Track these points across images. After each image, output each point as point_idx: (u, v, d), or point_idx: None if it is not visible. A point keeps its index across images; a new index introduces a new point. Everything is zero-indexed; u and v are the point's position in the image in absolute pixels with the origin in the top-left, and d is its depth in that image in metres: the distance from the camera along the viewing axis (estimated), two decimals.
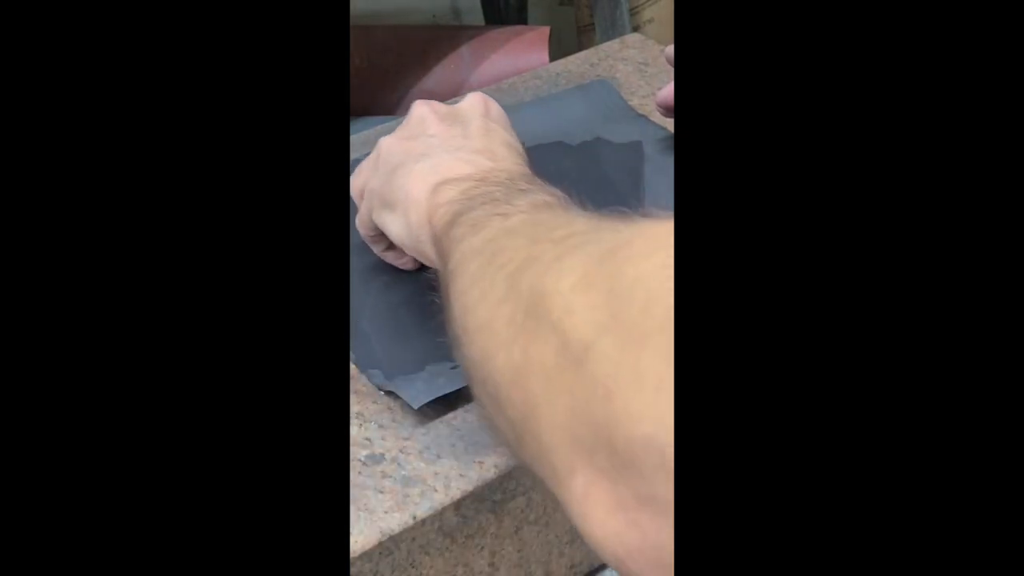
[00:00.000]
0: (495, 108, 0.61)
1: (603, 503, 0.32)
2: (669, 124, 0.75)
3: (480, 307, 0.41)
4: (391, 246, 0.59)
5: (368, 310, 0.60)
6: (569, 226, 0.41)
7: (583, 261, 0.36)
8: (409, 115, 0.60)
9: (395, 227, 0.55)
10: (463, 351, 0.42)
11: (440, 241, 0.49)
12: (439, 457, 0.52)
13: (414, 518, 0.50)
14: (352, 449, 0.52)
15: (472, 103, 0.60)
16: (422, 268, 0.60)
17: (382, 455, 0.52)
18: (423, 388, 0.54)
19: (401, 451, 0.53)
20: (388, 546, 0.49)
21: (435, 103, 0.60)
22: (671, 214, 0.38)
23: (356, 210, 0.60)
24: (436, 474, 0.51)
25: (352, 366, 0.56)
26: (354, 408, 0.55)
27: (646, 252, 0.34)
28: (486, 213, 0.46)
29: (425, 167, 0.53)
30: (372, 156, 0.59)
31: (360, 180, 0.59)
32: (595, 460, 0.32)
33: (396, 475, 0.51)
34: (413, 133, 0.58)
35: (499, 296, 0.39)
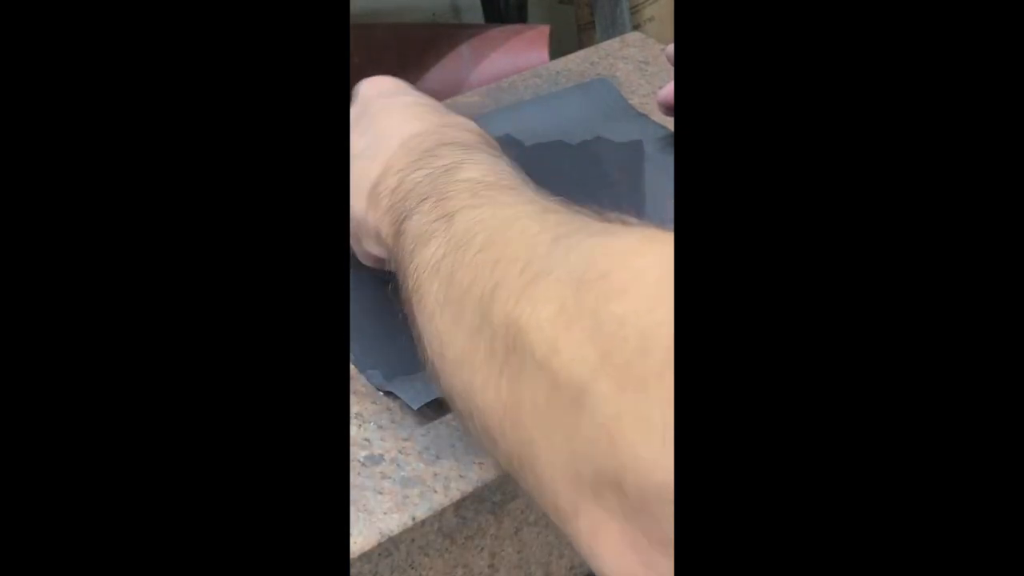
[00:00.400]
0: (385, 84, 0.59)
1: (614, 544, 0.32)
2: (669, 123, 0.75)
3: (455, 337, 0.40)
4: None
5: (368, 310, 0.59)
6: (525, 238, 0.39)
7: (556, 290, 0.35)
8: None
9: (374, 250, 0.54)
10: (443, 380, 0.41)
11: (393, 257, 0.48)
12: (438, 458, 0.52)
13: (413, 519, 0.49)
14: (351, 450, 0.52)
15: (360, 95, 0.59)
16: None
17: (381, 456, 0.52)
18: (422, 388, 0.54)
19: (400, 452, 0.52)
20: (387, 547, 0.49)
21: None
22: (639, 226, 0.37)
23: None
24: (435, 475, 0.51)
25: (352, 366, 0.56)
26: (353, 409, 0.54)
27: (629, 287, 0.33)
28: (426, 219, 0.45)
29: (356, 189, 0.52)
30: None
31: None
32: (602, 502, 0.32)
33: (395, 476, 0.51)
34: None
35: (472, 325, 0.38)
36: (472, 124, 0.55)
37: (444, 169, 0.47)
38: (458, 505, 0.51)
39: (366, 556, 0.48)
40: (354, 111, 0.58)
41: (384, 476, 0.51)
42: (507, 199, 0.43)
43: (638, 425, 0.31)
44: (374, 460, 0.52)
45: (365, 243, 0.54)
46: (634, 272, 0.34)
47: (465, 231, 0.42)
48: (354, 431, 0.53)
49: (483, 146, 0.51)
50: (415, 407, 0.53)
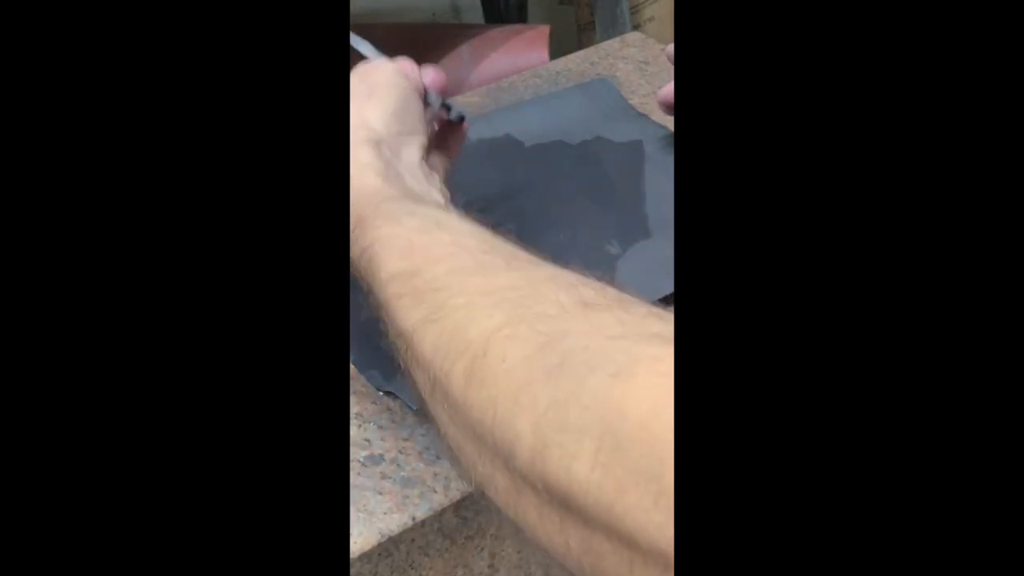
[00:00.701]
0: None
1: None
2: (669, 123, 0.75)
3: (493, 479, 0.37)
4: None
5: (368, 310, 0.59)
6: (512, 373, 0.36)
7: (588, 448, 0.32)
8: None
9: None
10: (496, 508, 0.39)
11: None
12: (439, 458, 0.52)
13: (413, 519, 0.49)
14: (351, 450, 0.52)
15: None
16: None
17: (381, 456, 0.52)
18: None
19: (400, 452, 0.52)
20: (387, 547, 0.49)
21: None
22: (625, 335, 0.34)
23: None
24: (436, 475, 0.51)
25: (351, 366, 0.56)
26: (353, 409, 0.54)
27: None
28: (390, 331, 0.43)
29: None
30: None
31: None
32: None
33: (395, 476, 0.51)
34: None
35: (505, 473, 0.36)
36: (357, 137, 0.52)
37: (366, 260, 0.46)
38: (458, 505, 0.51)
39: (366, 556, 0.48)
40: None
41: (384, 476, 0.51)
42: (457, 301, 0.40)
43: None
44: (374, 460, 0.52)
45: None
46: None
47: (434, 358, 0.40)
48: (354, 431, 0.53)
49: (380, 194, 0.48)
50: (415, 407, 0.53)
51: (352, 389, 0.55)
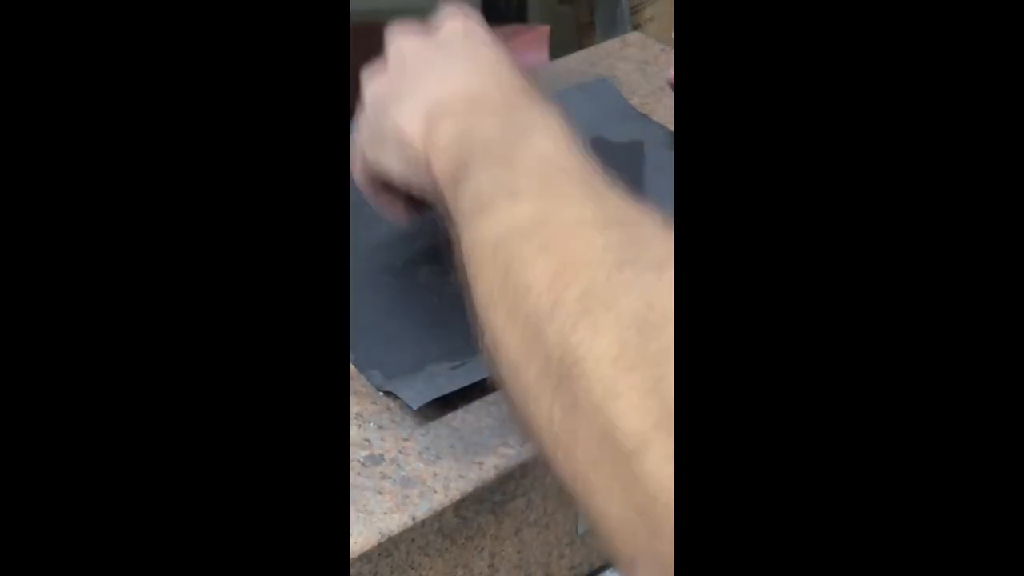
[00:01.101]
0: (476, 27, 0.58)
1: None
2: (670, 123, 0.75)
3: (509, 338, 0.38)
4: (385, 188, 0.55)
5: (368, 310, 0.59)
6: (589, 255, 0.37)
7: (616, 328, 0.34)
8: (386, 53, 0.57)
9: (392, 163, 0.52)
10: (495, 371, 0.40)
11: (445, 202, 0.46)
12: (438, 458, 0.52)
13: (413, 519, 0.49)
14: (351, 450, 0.52)
15: (451, 28, 0.57)
16: (418, 212, 0.57)
17: (381, 456, 0.52)
18: (422, 388, 0.54)
19: (400, 452, 0.52)
20: (387, 547, 0.49)
21: (408, 30, 0.58)
22: None
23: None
24: (435, 475, 0.51)
25: (352, 366, 0.56)
26: (353, 409, 0.54)
27: None
28: (490, 183, 0.43)
29: (415, 100, 0.51)
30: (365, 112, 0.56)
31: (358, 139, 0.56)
32: (659, 557, 0.31)
33: (395, 476, 0.51)
34: (394, 69, 0.56)
35: (524, 338, 0.37)
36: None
37: (520, 128, 0.46)
38: (458, 505, 0.51)
39: (366, 556, 0.48)
40: (429, 30, 0.57)
41: (384, 476, 0.51)
42: (575, 191, 0.42)
43: None
44: (374, 460, 0.52)
45: (381, 153, 0.52)
46: None
47: (530, 219, 0.41)
48: (354, 431, 0.53)
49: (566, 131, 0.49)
50: (415, 407, 0.53)
51: (352, 389, 0.55)
